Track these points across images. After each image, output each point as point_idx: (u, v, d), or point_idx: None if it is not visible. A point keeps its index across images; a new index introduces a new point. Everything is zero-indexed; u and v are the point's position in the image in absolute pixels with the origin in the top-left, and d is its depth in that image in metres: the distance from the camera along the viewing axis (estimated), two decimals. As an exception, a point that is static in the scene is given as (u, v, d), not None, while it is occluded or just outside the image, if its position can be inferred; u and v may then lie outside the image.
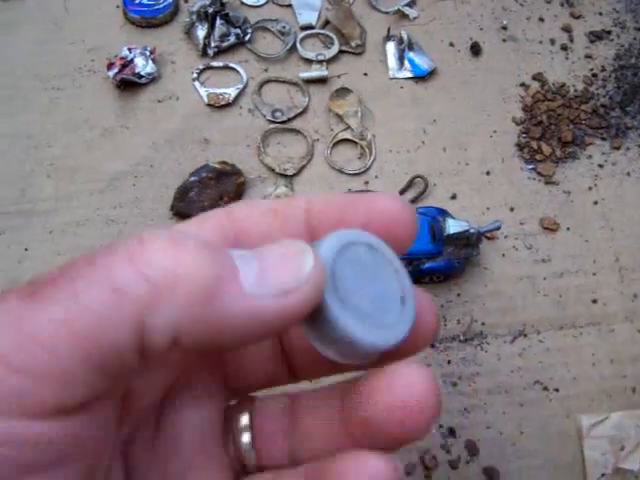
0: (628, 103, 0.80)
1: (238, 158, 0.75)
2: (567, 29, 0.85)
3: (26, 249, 0.71)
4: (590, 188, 0.75)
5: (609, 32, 0.85)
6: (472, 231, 0.66)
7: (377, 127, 0.78)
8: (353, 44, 0.83)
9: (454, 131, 0.78)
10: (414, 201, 0.73)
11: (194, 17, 0.82)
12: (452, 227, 0.66)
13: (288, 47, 0.82)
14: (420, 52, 0.82)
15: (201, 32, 0.82)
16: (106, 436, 0.28)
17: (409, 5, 0.86)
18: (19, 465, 0.23)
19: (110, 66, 0.79)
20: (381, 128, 0.78)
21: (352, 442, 0.29)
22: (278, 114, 0.78)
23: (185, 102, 0.80)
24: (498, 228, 0.68)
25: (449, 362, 0.66)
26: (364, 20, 0.86)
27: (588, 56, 0.84)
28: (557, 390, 0.65)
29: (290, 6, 0.87)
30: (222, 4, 0.83)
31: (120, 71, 0.78)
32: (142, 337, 0.24)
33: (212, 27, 0.82)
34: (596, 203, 0.74)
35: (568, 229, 0.73)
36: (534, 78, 0.82)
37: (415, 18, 0.86)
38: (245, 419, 0.33)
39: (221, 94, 0.79)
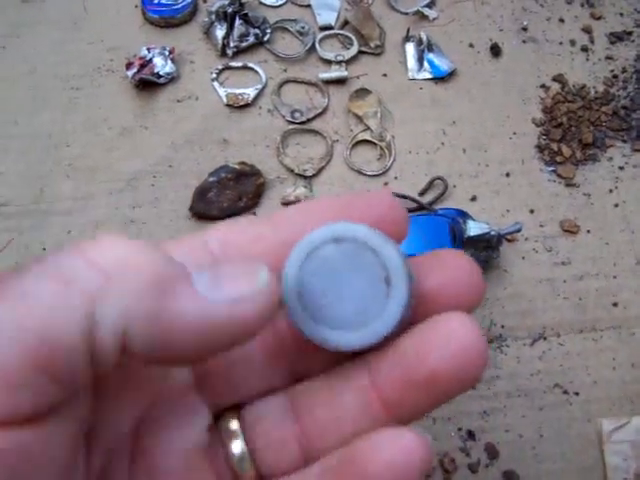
0: (649, 105, 0.79)
1: (257, 159, 0.75)
2: (588, 30, 0.85)
3: (44, 249, 0.71)
4: (611, 190, 0.75)
5: (630, 33, 0.85)
6: (492, 233, 0.66)
7: (396, 128, 0.78)
8: (372, 45, 0.83)
9: (474, 132, 0.78)
10: (433, 202, 0.73)
11: (213, 17, 0.82)
12: (472, 229, 0.66)
13: (307, 47, 0.82)
14: (439, 53, 0.82)
15: (220, 32, 0.82)
16: (68, 458, 0.25)
17: (428, 6, 0.86)
18: None
19: (129, 66, 0.79)
20: (400, 129, 0.78)
21: (376, 423, 0.28)
22: (297, 115, 0.78)
23: (204, 102, 0.80)
24: (518, 230, 0.67)
25: (469, 365, 0.66)
26: (383, 21, 0.86)
27: (609, 57, 0.83)
28: (577, 394, 0.65)
29: (309, 6, 0.87)
30: (241, 4, 0.83)
31: (139, 71, 0.78)
32: (92, 334, 0.23)
33: (231, 27, 0.81)
34: (617, 205, 0.74)
35: (588, 232, 0.73)
36: (554, 79, 0.81)
37: (434, 19, 0.85)
38: (234, 425, 0.30)
39: (240, 94, 0.79)
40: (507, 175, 0.75)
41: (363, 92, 0.79)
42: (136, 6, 0.86)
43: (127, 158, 0.76)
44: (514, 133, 0.78)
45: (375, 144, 0.77)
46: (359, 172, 0.75)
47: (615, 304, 0.69)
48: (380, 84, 0.81)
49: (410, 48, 0.83)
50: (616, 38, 0.84)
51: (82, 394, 0.25)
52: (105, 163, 0.76)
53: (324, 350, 0.28)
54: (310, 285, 0.28)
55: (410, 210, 0.72)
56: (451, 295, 0.29)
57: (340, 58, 0.81)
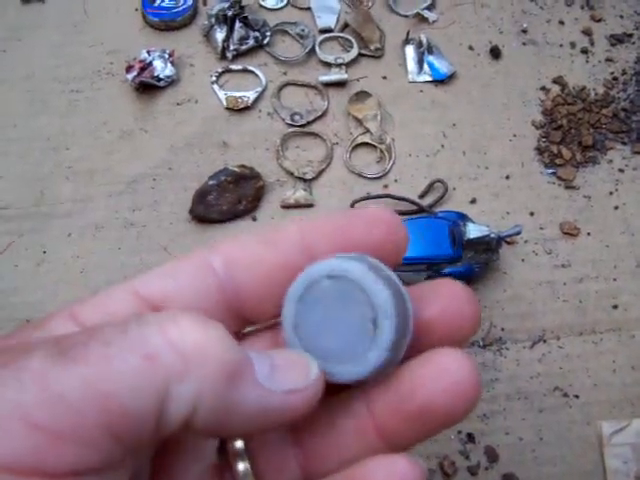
0: (649, 107, 0.79)
1: (257, 162, 0.75)
2: (588, 32, 0.85)
3: (44, 251, 0.71)
4: (611, 193, 0.75)
5: (630, 35, 0.85)
6: (492, 236, 0.66)
7: (396, 131, 0.78)
8: (372, 47, 0.83)
9: (474, 135, 0.78)
10: (433, 205, 0.73)
11: (213, 20, 0.82)
12: (472, 232, 0.66)
13: (307, 50, 0.82)
14: (439, 56, 0.82)
15: (220, 35, 0.82)
16: None
17: (428, 8, 0.86)
18: None
19: (129, 69, 0.79)
20: (400, 132, 0.78)
21: (372, 450, 0.30)
22: (297, 117, 0.78)
23: (204, 105, 0.80)
24: (518, 233, 0.67)
25: (468, 368, 0.66)
26: (383, 23, 0.86)
27: (609, 59, 0.83)
28: (577, 396, 0.65)
29: (309, 9, 0.87)
30: (241, 7, 0.83)
31: (139, 74, 0.78)
32: (163, 410, 0.24)
33: (231, 30, 0.81)
34: (617, 208, 0.74)
35: (588, 234, 0.73)
36: (554, 82, 0.81)
37: (434, 21, 0.85)
38: (240, 444, 0.31)
39: (240, 97, 0.79)
40: (507, 178, 0.75)
41: (363, 95, 0.79)
42: (136, 9, 0.86)
43: (127, 161, 0.76)
44: (514, 135, 0.78)
45: (375, 147, 0.77)
46: (359, 175, 0.75)
47: (615, 306, 0.69)
48: (380, 87, 0.81)
49: (410, 51, 0.83)
50: (616, 40, 0.84)
51: (138, 454, 0.27)
52: (105, 166, 0.76)
53: None
54: (306, 318, 0.29)
55: (410, 213, 0.72)
56: (447, 326, 0.30)
57: (340, 61, 0.81)
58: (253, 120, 0.79)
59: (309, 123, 0.78)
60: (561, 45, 0.84)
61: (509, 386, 0.65)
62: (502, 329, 0.68)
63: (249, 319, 0.32)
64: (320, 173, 0.76)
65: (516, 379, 0.66)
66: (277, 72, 0.82)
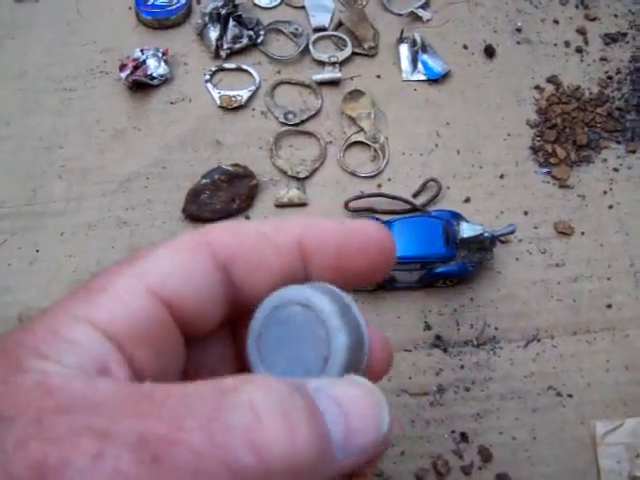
0: (644, 106, 0.79)
1: (250, 160, 0.75)
2: (582, 31, 0.85)
3: (37, 250, 0.71)
4: (605, 192, 0.75)
5: (624, 34, 0.84)
6: (486, 235, 0.66)
7: (390, 130, 0.78)
8: (366, 46, 0.83)
9: (468, 134, 0.78)
10: (427, 204, 0.73)
11: (206, 19, 0.82)
12: (466, 231, 0.66)
13: (301, 49, 0.82)
14: (433, 54, 0.82)
15: (214, 34, 0.82)
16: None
17: (422, 7, 0.86)
18: None
19: (122, 67, 0.79)
20: (394, 131, 0.78)
21: None
22: (291, 116, 0.78)
23: (197, 104, 0.79)
24: (512, 232, 0.67)
25: (462, 367, 0.66)
26: (377, 22, 0.85)
27: (603, 58, 0.83)
28: (571, 396, 0.65)
29: (303, 8, 0.86)
30: (235, 6, 0.82)
31: (132, 72, 0.78)
32: None
33: (225, 29, 0.81)
34: (611, 207, 0.74)
35: (583, 233, 0.72)
36: (549, 81, 0.81)
37: (428, 20, 0.85)
38: None
39: (234, 96, 0.79)
40: (501, 177, 0.75)
41: (357, 93, 0.79)
42: (130, 8, 0.86)
43: (120, 160, 0.76)
44: (508, 134, 0.78)
45: (369, 146, 0.77)
46: (352, 174, 0.75)
47: (609, 306, 0.69)
48: (374, 85, 0.81)
49: (404, 49, 0.83)
50: (610, 39, 0.84)
51: None
52: (98, 165, 0.76)
53: None
54: (269, 332, 0.30)
55: (403, 212, 0.72)
56: None
57: (334, 59, 0.81)
58: (247, 119, 0.79)
59: (303, 122, 0.78)
60: (555, 44, 0.84)
61: (503, 386, 0.65)
62: (496, 328, 0.68)
63: (242, 306, 0.32)
64: (314, 172, 0.76)
65: (510, 379, 0.66)
66: (271, 71, 0.82)
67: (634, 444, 0.61)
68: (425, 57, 0.81)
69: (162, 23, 0.84)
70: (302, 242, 0.32)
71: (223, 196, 0.72)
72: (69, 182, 0.75)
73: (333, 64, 0.81)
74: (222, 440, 0.23)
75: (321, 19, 0.85)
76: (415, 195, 0.74)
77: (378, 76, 0.82)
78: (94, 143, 0.77)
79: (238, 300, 0.32)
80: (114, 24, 0.85)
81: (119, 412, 0.23)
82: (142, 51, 0.80)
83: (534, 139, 0.78)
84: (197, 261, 0.30)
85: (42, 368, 0.25)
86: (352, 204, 0.72)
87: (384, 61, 0.83)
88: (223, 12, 0.81)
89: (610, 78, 0.81)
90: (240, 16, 0.82)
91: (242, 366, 0.34)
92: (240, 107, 0.79)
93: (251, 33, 0.82)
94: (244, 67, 0.82)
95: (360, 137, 0.77)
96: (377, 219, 0.69)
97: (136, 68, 0.79)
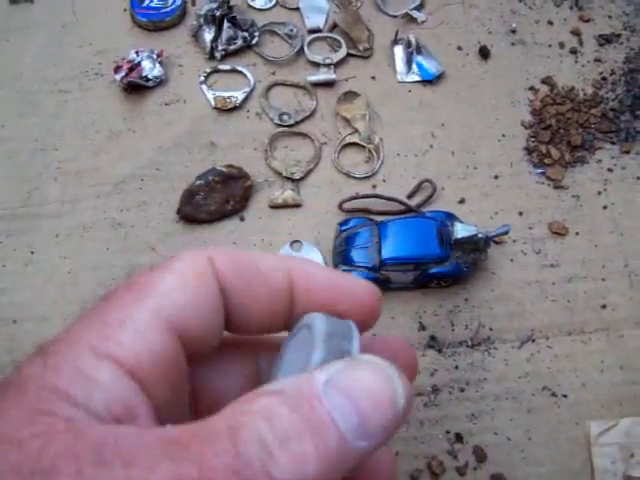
0: (638, 107, 0.79)
1: (245, 161, 0.75)
2: (576, 32, 0.85)
3: (32, 252, 0.71)
4: (599, 192, 0.75)
5: (619, 35, 0.85)
6: (480, 235, 0.66)
7: (385, 131, 0.78)
8: (361, 47, 0.83)
9: (462, 135, 0.78)
10: (422, 205, 0.73)
11: (201, 20, 0.82)
12: (460, 231, 0.66)
13: (295, 50, 0.82)
14: (428, 56, 0.82)
15: (208, 35, 0.82)
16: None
17: (417, 9, 0.86)
18: None
19: (117, 69, 0.79)
20: (389, 132, 0.78)
21: None
22: (285, 117, 0.78)
23: (192, 105, 0.79)
24: (506, 232, 0.67)
25: (456, 367, 0.66)
26: (372, 23, 0.86)
27: (597, 60, 0.83)
28: (565, 396, 0.65)
29: (297, 9, 0.87)
30: (229, 7, 0.83)
31: (127, 74, 0.78)
32: None
33: (219, 30, 0.81)
34: (605, 208, 0.74)
35: (577, 234, 0.72)
36: (543, 82, 0.81)
37: (423, 22, 0.85)
38: None
39: (228, 97, 0.79)
40: (496, 177, 0.75)
41: (351, 95, 0.79)
42: (125, 10, 0.86)
43: (115, 161, 0.76)
44: (503, 135, 0.78)
45: (363, 147, 0.77)
46: (347, 175, 0.75)
47: (604, 306, 0.69)
48: (368, 87, 0.81)
49: (399, 51, 0.83)
50: (605, 40, 0.84)
51: None
52: (93, 166, 0.76)
53: None
54: (289, 345, 0.34)
55: (398, 212, 0.72)
56: None
57: (328, 61, 0.81)
58: (241, 120, 0.79)
59: (297, 123, 0.78)
60: (550, 45, 0.84)
61: (497, 386, 0.65)
62: (490, 329, 0.68)
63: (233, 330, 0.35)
64: (308, 173, 0.76)
65: (504, 379, 0.65)
66: (265, 72, 0.82)
67: (628, 444, 0.61)
68: (420, 58, 0.81)
69: (157, 25, 0.84)
70: (293, 288, 0.34)
71: (218, 197, 0.72)
72: (64, 184, 0.75)
73: (328, 65, 0.81)
74: (246, 476, 0.24)
75: (316, 20, 0.85)
76: (410, 196, 0.74)
77: (373, 77, 0.82)
78: (89, 145, 0.77)
79: (229, 326, 0.34)
80: (109, 26, 0.85)
81: (152, 460, 0.24)
82: (137, 53, 0.80)
83: (528, 140, 0.78)
84: (205, 289, 0.32)
85: (71, 414, 0.26)
86: (346, 205, 0.72)
87: (379, 62, 0.83)
88: (218, 14, 0.81)
89: (604, 79, 0.82)
90: (235, 17, 0.82)
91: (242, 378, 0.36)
92: (235, 108, 0.79)
93: (246, 34, 0.82)
94: (239, 68, 0.82)
95: (355, 138, 0.77)
96: (370, 220, 0.69)
97: (131, 70, 0.79)
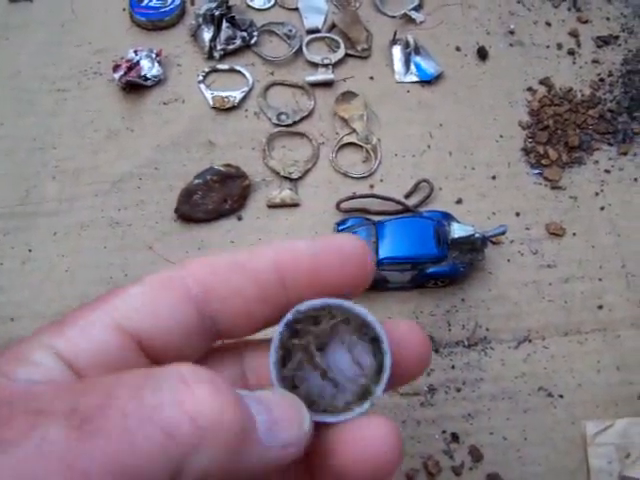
0: (635, 108, 0.79)
1: (243, 161, 0.75)
2: (574, 34, 0.85)
3: (30, 250, 0.71)
4: (597, 193, 0.75)
5: (617, 37, 0.85)
6: (477, 235, 0.66)
7: (383, 131, 0.78)
8: (359, 48, 0.83)
9: (460, 135, 0.78)
10: (419, 205, 0.73)
11: (200, 20, 0.82)
12: (457, 231, 0.66)
13: (294, 50, 0.82)
14: (426, 56, 0.82)
15: (207, 35, 0.82)
16: None
17: (415, 9, 0.86)
18: None
19: (116, 68, 0.79)
20: (387, 132, 0.78)
21: None
22: (283, 117, 0.78)
23: (191, 105, 0.80)
24: (503, 233, 0.67)
25: (453, 367, 0.66)
26: (370, 24, 0.86)
27: (595, 61, 0.83)
28: (562, 396, 0.65)
29: (296, 9, 0.87)
30: (228, 7, 0.83)
31: (126, 73, 0.78)
32: (176, 476, 0.25)
33: (218, 30, 0.82)
34: (603, 209, 0.74)
35: (574, 234, 0.73)
36: (541, 83, 0.82)
37: (421, 22, 0.85)
38: None
39: (227, 97, 0.79)
40: (493, 178, 0.75)
41: (349, 95, 0.79)
42: (124, 9, 0.86)
43: (113, 160, 0.76)
44: (500, 136, 0.78)
45: (361, 147, 0.77)
46: (345, 175, 0.75)
47: (600, 307, 0.69)
48: (366, 87, 0.81)
49: (397, 51, 0.83)
50: (603, 42, 0.84)
51: None
52: (91, 165, 0.76)
53: None
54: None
55: (395, 212, 0.72)
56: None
57: (327, 61, 0.81)
58: (239, 120, 0.79)
59: (295, 123, 0.78)
60: (548, 46, 0.84)
61: (494, 386, 0.65)
62: (487, 329, 0.68)
63: (220, 336, 0.34)
64: (306, 173, 0.76)
65: (501, 379, 0.66)
66: (264, 72, 0.82)
67: (624, 444, 0.61)
68: (418, 59, 0.81)
69: (156, 24, 0.84)
70: (277, 265, 0.33)
71: (215, 196, 0.72)
72: (62, 182, 0.75)
73: (326, 66, 0.81)
74: (152, 402, 0.25)
75: (314, 21, 0.86)
76: (407, 196, 0.74)
77: (371, 78, 0.82)
78: (87, 144, 0.77)
79: (220, 329, 0.33)
80: (108, 25, 0.85)
81: (56, 396, 0.25)
82: (136, 52, 0.80)
83: (526, 140, 0.78)
84: (166, 297, 0.32)
85: None
86: (344, 205, 0.73)
87: (377, 63, 0.83)
88: (217, 13, 0.82)
89: (602, 80, 0.82)
90: (233, 17, 0.82)
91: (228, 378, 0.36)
92: (233, 108, 0.79)
93: (244, 34, 0.82)
94: (237, 68, 0.82)
95: (352, 138, 0.77)
96: (368, 219, 0.69)
97: (130, 69, 0.79)
